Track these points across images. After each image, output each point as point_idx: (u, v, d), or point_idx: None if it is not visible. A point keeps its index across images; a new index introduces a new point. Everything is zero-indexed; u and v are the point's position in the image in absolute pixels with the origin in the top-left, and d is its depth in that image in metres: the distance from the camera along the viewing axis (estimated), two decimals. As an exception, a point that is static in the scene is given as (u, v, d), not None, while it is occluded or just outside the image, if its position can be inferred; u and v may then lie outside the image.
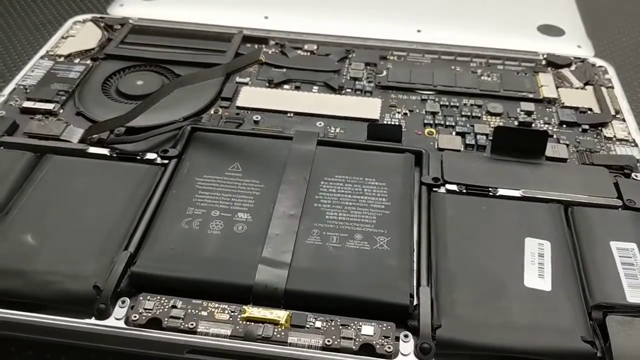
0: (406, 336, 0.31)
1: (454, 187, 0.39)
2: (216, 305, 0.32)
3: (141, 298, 0.32)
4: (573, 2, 0.63)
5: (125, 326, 0.31)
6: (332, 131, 0.44)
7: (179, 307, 0.32)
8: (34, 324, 0.31)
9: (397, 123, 0.45)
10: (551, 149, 0.42)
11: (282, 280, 0.32)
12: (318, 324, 0.31)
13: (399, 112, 0.46)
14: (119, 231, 0.35)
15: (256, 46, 0.53)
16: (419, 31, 0.57)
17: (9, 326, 0.32)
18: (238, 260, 0.33)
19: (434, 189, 0.39)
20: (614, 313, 0.32)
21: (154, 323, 0.31)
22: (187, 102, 0.45)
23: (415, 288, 0.33)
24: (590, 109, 0.46)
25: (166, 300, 0.32)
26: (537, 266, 0.34)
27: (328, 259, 0.34)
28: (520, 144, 0.41)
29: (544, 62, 0.51)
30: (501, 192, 0.38)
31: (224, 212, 0.36)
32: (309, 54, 0.52)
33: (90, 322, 0.31)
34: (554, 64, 0.51)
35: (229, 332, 0.31)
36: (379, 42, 0.53)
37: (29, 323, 0.31)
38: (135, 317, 0.31)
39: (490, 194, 0.38)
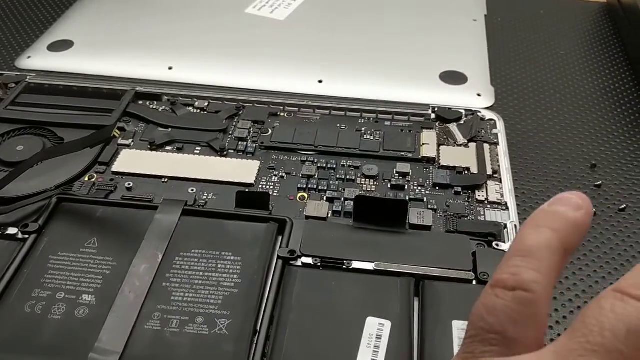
0: None
1: (309, 261, 0.39)
2: (42, 398, 0.32)
3: (-32, 391, 0.32)
4: (484, 45, 0.63)
5: None
6: (205, 197, 0.44)
7: (3, 400, 0.32)
8: None
9: (272, 187, 0.45)
10: (416, 216, 0.42)
11: (110, 371, 0.32)
12: (140, 418, 0.31)
13: (276, 175, 0.46)
14: (-38, 315, 0.35)
15: (148, 103, 0.53)
16: (320, 82, 0.57)
17: None
18: (71, 349, 0.33)
19: (290, 263, 0.39)
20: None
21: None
22: (63, 167, 0.45)
23: (245, 376, 0.33)
24: (468, 169, 0.46)
25: (-7, 393, 0.32)
26: (373, 349, 0.34)
27: (163, 345, 0.34)
28: (381, 213, 0.41)
29: (433, 117, 0.51)
30: (355, 264, 0.39)
31: (69, 294, 0.36)
32: (198, 111, 0.52)
33: None
34: (443, 118, 0.51)
35: None
36: (273, 97, 0.53)
37: None
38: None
39: (344, 267, 0.38)
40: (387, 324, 0.35)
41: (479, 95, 0.56)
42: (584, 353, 0.16)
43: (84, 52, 0.61)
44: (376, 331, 0.35)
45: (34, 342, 0.34)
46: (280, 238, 0.40)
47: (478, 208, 0.43)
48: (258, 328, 0.35)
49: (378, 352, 0.34)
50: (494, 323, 0.17)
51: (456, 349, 0.34)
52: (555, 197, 0.20)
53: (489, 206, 0.44)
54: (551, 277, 0.18)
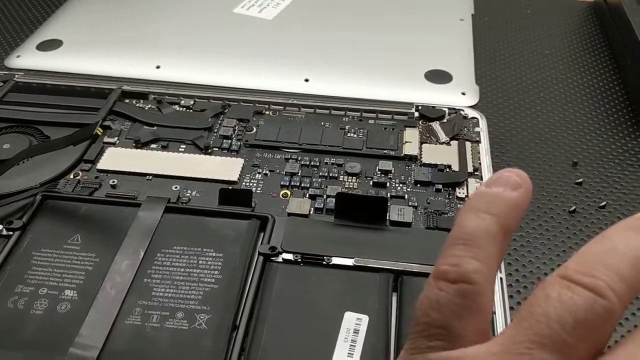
0: (200, 423, 0.31)
1: (290, 257, 0.39)
2: (22, 391, 0.32)
3: (-50, 385, 0.32)
4: (470, 44, 0.64)
5: None
6: (188, 194, 0.44)
7: (-16, 394, 0.32)
8: None
9: (255, 184, 0.45)
10: (397, 213, 0.42)
11: (90, 365, 0.33)
12: (118, 411, 0.31)
13: (259, 173, 0.46)
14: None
15: (134, 101, 0.53)
16: (306, 80, 0.57)
17: None
18: (52, 343, 0.34)
19: (271, 259, 0.39)
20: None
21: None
22: (48, 165, 0.46)
23: (223, 370, 0.33)
24: (450, 166, 0.47)
25: (-26, 387, 0.32)
26: (350, 344, 0.34)
27: (143, 340, 0.34)
28: (362, 210, 0.41)
29: (416, 115, 0.52)
30: (335, 260, 0.39)
31: (52, 290, 0.37)
32: (184, 109, 0.52)
33: None
34: (426, 116, 0.51)
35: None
36: (258, 96, 0.53)
37: None
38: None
39: (324, 263, 0.39)
40: (365, 319, 0.36)
41: (463, 93, 0.57)
42: (531, 345, 0.16)
43: (72, 51, 0.61)
44: (354, 326, 0.35)
45: (16, 336, 0.34)
46: (262, 235, 0.41)
47: (459, 205, 0.44)
48: (237, 323, 0.35)
49: (355, 346, 0.34)
50: (438, 318, 0.17)
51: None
52: (492, 176, 0.20)
53: (469, 203, 0.44)
54: (493, 264, 0.18)
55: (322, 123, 0.51)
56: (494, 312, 0.36)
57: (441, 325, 0.17)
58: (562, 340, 0.15)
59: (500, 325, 0.36)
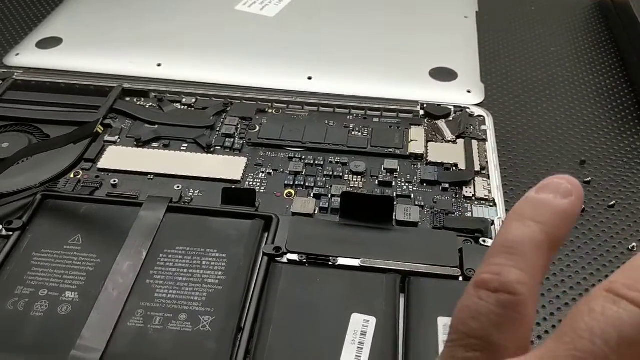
0: None
1: (295, 257, 0.39)
2: (22, 396, 0.31)
3: (-52, 389, 0.32)
4: (475, 42, 0.63)
5: None
6: (190, 194, 0.43)
7: (-17, 398, 0.31)
8: None
9: (259, 183, 0.44)
10: (403, 212, 0.41)
11: (91, 368, 0.32)
12: (121, 415, 0.31)
13: (263, 172, 0.45)
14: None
15: (135, 99, 0.52)
16: (309, 78, 0.57)
17: None
18: (53, 346, 0.33)
19: (275, 259, 0.38)
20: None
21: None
22: (48, 164, 0.45)
23: (228, 373, 0.32)
24: (456, 165, 0.46)
25: (-27, 391, 0.31)
26: (357, 346, 0.34)
27: (145, 343, 0.33)
28: (367, 209, 0.40)
29: (422, 113, 0.51)
30: (341, 261, 0.38)
31: (52, 291, 0.36)
32: (186, 107, 0.51)
33: None
34: (432, 114, 0.51)
35: None
36: (261, 94, 0.53)
37: None
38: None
39: (330, 263, 0.38)
40: (372, 321, 0.35)
41: (468, 91, 0.56)
42: None
43: (72, 49, 0.60)
44: (361, 327, 0.34)
45: (16, 340, 0.33)
46: (266, 235, 0.40)
47: (465, 204, 0.43)
48: (242, 325, 0.35)
49: (362, 348, 0.33)
50: (476, 328, 0.16)
51: (441, 346, 0.33)
52: (542, 182, 0.19)
53: (476, 202, 0.43)
54: (537, 275, 0.17)
55: (326, 121, 0.50)
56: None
57: (480, 335, 0.16)
58: (605, 356, 0.14)
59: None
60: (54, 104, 0.51)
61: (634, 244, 0.42)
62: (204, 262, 0.38)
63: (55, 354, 0.33)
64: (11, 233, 0.39)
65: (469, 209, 0.43)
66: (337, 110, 0.51)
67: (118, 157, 0.46)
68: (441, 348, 0.33)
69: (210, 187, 0.44)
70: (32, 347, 0.33)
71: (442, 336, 0.34)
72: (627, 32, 0.61)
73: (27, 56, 0.60)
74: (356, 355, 0.33)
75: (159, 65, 0.58)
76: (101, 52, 0.59)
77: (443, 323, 0.35)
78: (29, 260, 0.38)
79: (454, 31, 0.64)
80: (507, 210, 0.43)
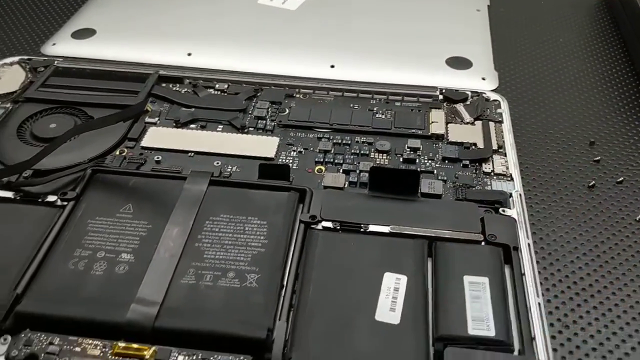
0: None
1: (329, 224, 0.42)
2: (90, 341, 0.35)
3: (22, 335, 0.35)
4: (487, 33, 0.67)
5: (3, 363, 0.34)
6: (229, 170, 0.47)
7: (55, 343, 0.34)
8: None
9: (291, 161, 0.48)
10: (428, 186, 0.45)
11: (151, 318, 0.35)
12: (180, 358, 0.34)
13: (294, 150, 0.49)
14: (11, 272, 0.38)
15: (170, 85, 0.56)
16: (332, 66, 0.60)
17: None
18: (114, 299, 0.36)
19: (311, 227, 0.42)
20: (455, 345, 0.35)
21: (32, 359, 0.34)
22: (95, 143, 0.48)
23: (275, 323, 0.36)
24: (475, 144, 0.49)
25: (45, 337, 0.35)
26: (391, 300, 0.37)
27: (198, 297, 0.37)
28: (395, 182, 0.44)
29: (440, 97, 0.54)
30: (372, 228, 0.41)
31: (109, 253, 0.39)
32: (219, 92, 0.55)
33: (-29, 360, 0.34)
34: (450, 99, 0.54)
35: (97, 367, 0.34)
36: (288, 81, 0.56)
37: None
38: (15, 353, 0.34)
39: (362, 230, 0.41)
40: (404, 279, 0.38)
41: (483, 79, 0.59)
42: None
43: (106, 39, 0.64)
44: (394, 284, 0.38)
45: (79, 294, 0.37)
46: (301, 206, 0.43)
47: (485, 179, 0.46)
48: (285, 282, 0.38)
49: (396, 302, 0.37)
50: None
51: (468, 301, 0.37)
52: None
53: (495, 177, 0.47)
54: None
55: (351, 105, 0.53)
56: (523, 274, 0.39)
57: None
58: None
59: (530, 285, 0.38)
60: (94, 88, 0.54)
61: (640, 215, 0.46)
62: (246, 228, 0.41)
63: (117, 306, 0.36)
64: (66, 203, 0.43)
65: (489, 183, 0.46)
66: (361, 95, 0.55)
67: (159, 136, 0.49)
68: (468, 303, 0.37)
69: (246, 163, 0.47)
70: (96, 300, 0.36)
71: (469, 292, 0.37)
72: (632, 24, 0.64)
73: (63, 46, 0.63)
74: (391, 308, 0.36)
75: (189, 54, 0.61)
76: (133, 42, 0.62)
77: (469, 281, 0.38)
78: (85, 226, 0.41)
79: (467, 23, 0.67)
80: (523, 185, 0.46)
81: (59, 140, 0.45)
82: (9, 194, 0.44)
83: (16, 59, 0.58)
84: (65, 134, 0.46)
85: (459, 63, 0.60)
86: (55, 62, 0.58)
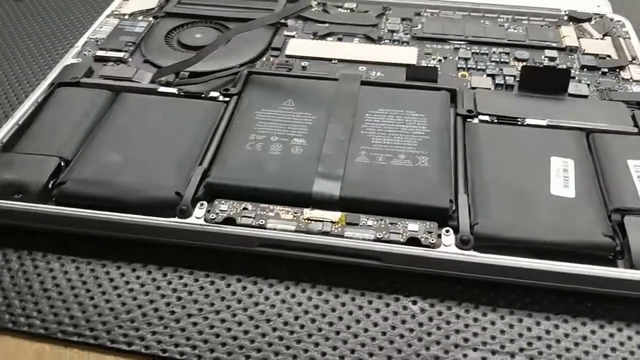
0: (447, 231, 0.35)
1: (486, 118, 0.43)
2: (281, 208, 0.37)
3: (216, 202, 0.37)
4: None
5: (205, 223, 0.36)
6: (373, 75, 0.48)
7: (249, 209, 0.36)
8: (132, 223, 0.36)
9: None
10: (574, 87, 0.46)
11: (337, 188, 0.37)
12: (370, 222, 0.36)
13: (434, 59, 0.50)
14: (193, 152, 0.40)
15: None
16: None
17: (115, 227, 0.37)
18: (297, 173, 0.38)
19: (468, 119, 0.43)
20: (631, 215, 0.36)
21: (229, 221, 0.36)
22: (241, 52, 0.50)
23: (454, 196, 0.37)
24: (609, 56, 0.50)
25: (238, 204, 0.37)
26: (562, 178, 0.38)
27: (376, 172, 0.38)
28: (545, 81, 0.45)
29: (565, 18, 0.55)
30: (528, 121, 0.43)
31: (282, 138, 0.41)
32: (348, 11, 0.56)
33: (175, 220, 0.36)
34: (575, 18, 0.55)
35: (293, 228, 0.35)
36: (412, 1, 0.57)
37: (127, 222, 0.36)
38: (212, 216, 0.36)
39: (519, 123, 0.43)
40: (570, 162, 0.39)
41: (598, 6, 0.60)
42: None
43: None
44: (562, 165, 0.39)
45: (264, 170, 0.39)
46: (452, 105, 0.45)
47: (625, 84, 0.47)
48: (456, 165, 0.39)
49: (568, 180, 0.38)
50: None
51: (635, 179, 0.38)
52: None
53: (634, 83, 0.48)
54: None
55: (482, 21, 0.54)
56: None
57: None
58: None
59: None
60: (230, 6, 0.56)
61: None
62: (406, 119, 0.43)
63: (302, 179, 0.38)
64: (228, 99, 0.45)
65: (630, 88, 0.47)
66: (486, 15, 0.56)
67: (301, 46, 0.51)
68: (637, 181, 0.38)
69: (389, 70, 0.49)
70: (280, 175, 0.38)
71: (635, 174, 0.39)
72: None
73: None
74: (564, 185, 0.38)
75: None
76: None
77: (634, 164, 0.39)
78: (253, 116, 0.43)
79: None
80: (663, 90, 0.47)
81: (221, 39, 0.47)
82: (172, 90, 0.46)
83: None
84: (228, 32, 0.47)
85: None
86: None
